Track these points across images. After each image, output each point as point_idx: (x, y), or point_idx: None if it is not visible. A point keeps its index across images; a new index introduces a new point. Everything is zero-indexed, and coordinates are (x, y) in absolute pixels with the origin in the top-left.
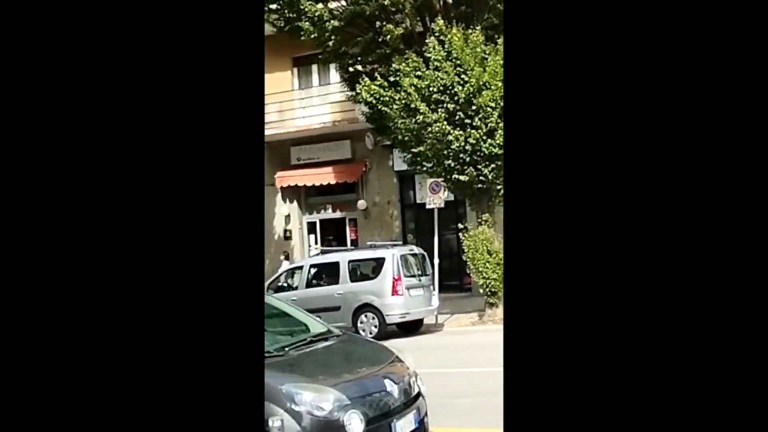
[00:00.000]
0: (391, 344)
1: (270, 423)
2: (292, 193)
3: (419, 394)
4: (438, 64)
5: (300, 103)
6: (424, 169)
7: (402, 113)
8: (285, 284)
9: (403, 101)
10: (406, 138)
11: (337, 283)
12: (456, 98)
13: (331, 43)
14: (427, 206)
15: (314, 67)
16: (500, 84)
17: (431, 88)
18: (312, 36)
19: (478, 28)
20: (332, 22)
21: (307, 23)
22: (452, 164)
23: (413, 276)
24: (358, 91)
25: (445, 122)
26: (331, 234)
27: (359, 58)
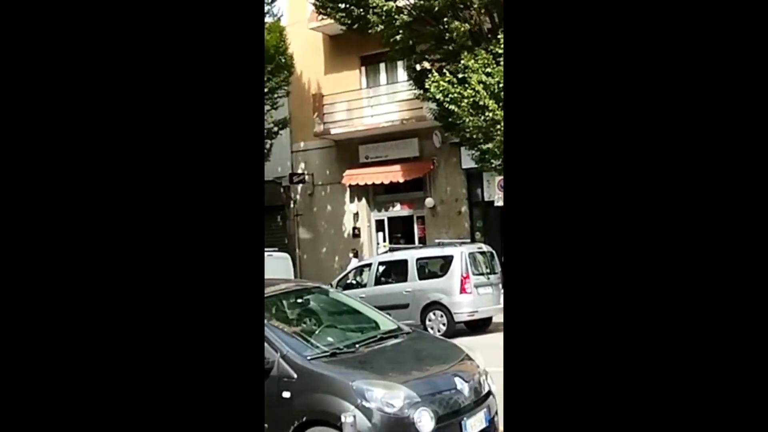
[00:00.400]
0: (460, 342)
1: (342, 418)
2: (360, 191)
3: (489, 392)
4: None
5: (368, 101)
6: (493, 166)
7: (470, 110)
8: (354, 281)
9: (472, 98)
10: (475, 135)
11: (405, 280)
12: None
13: (399, 38)
14: (496, 204)
15: (382, 66)
16: None
17: (500, 85)
18: (380, 29)
19: None
20: (401, 16)
21: (375, 17)
22: None
23: (482, 274)
24: (427, 86)
25: None
26: (399, 232)
27: (426, 56)
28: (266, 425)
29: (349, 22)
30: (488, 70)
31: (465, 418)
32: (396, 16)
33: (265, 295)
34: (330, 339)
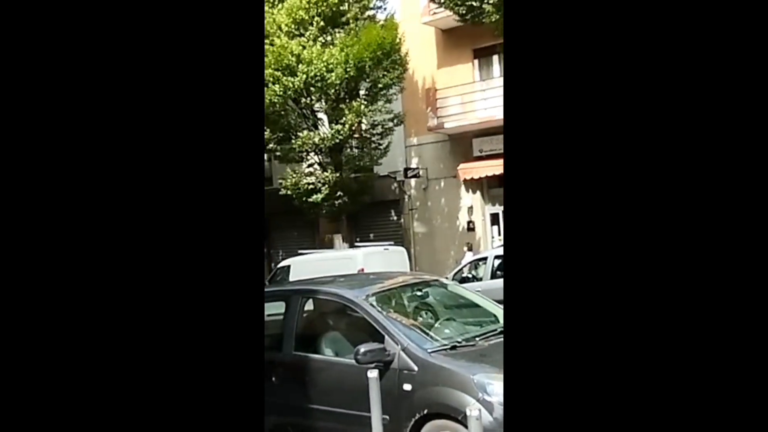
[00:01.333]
0: None
1: (467, 412)
2: (474, 184)
3: None
4: None
5: (481, 94)
6: None
7: None
8: (469, 275)
9: None
10: None
11: None
12: None
13: None
14: None
15: (495, 58)
16: None
17: None
18: (494, 19)
19: None
20: None
21: (490, 6)
22: None
23: None
24: None
25: None
26: None
27: None
28: (387, 417)
29: (465, 11)
30: None
31: None
32: None
33: (385, 288)
34: (449, 332)
